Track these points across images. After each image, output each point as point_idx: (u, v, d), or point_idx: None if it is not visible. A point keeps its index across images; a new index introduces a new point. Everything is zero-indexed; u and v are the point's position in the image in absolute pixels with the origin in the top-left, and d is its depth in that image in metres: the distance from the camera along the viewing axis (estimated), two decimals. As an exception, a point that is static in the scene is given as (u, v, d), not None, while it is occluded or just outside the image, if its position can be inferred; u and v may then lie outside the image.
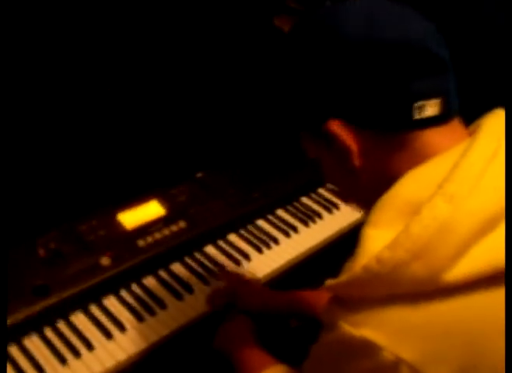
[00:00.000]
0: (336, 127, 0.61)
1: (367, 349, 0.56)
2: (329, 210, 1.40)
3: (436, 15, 0.66)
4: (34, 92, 1.23)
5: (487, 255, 0.55)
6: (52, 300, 1.02)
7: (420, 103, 0.59)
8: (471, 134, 0.63)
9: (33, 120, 1.23)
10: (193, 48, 1.49)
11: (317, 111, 0.63)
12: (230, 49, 1.54)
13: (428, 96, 0.60)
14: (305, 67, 0.63)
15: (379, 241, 0.56)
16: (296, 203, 1.42)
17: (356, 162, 0.63)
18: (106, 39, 1.33)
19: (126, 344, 1.02)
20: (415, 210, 0.56)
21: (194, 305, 1.11)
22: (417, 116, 0.60)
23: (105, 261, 1.11)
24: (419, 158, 0.61)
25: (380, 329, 0.56)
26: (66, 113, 1.28)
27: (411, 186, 0.60)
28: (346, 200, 0.74)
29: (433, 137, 0.61)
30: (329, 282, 0.60)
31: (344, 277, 0.58)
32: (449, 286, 0.54)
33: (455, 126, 0.64)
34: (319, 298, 1.03)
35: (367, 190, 0.66)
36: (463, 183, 0.56)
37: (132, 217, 1.21)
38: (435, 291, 0.55)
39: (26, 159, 1.20)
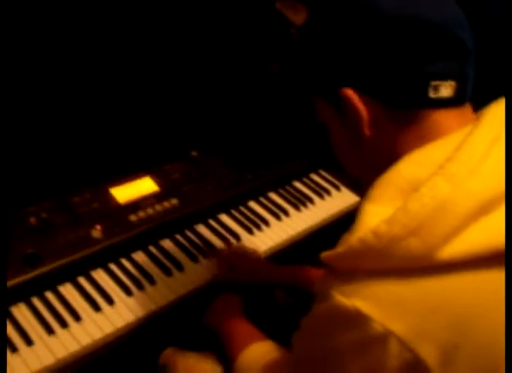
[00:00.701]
0: (351, 94, 0.62)
1: (357, 319, 0.56)
2: (321, 196, 1.41)
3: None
4: (30, 73, 1.22)
5: (483, 236, 0.55)
6: (42, 269, 1.02)
7: (437, 83, 0.60)
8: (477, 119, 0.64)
9: (30, 96, 1.22)
10: (191, 31, 1.48)
11: (336, 76, 0.64)
12: (230, 32, 1.53)
13: (446, 77, 0.60)
14: (331, 32, 0.64)
15: (377, 216, 0.57)
16: (288, 187, 1.43)
17: (366, 130, 0.64)
18: (103, 20, 1.32)
19: (114, 317, 1.02)
20: (415, 188, 0.57)
21: (184, 281, 1.11)
22: (432, 95, 0.60)
23: (96, 233, 1.10)
24: (426, 137, 0.62)
25: (372, 300, 0.56)
26: (62, 89, 1.26)
27: (413, 165, 0.60)
28: (349, 170, 0.74)
29: (443, 118, 0.62)
30: (325, 253, 0.61)
31: (340, 248, 0.59)
32: (443, 263, 0.55)
33: (466, 111, 0.65)
34: (319, 274, 1.04)
35: (370, 164, 0.67)
36: (464, 164, 0.56)
37: (125, 192, 1.21)
38: (428, 267, 0.56)
39: (24, 132, 1.19)
